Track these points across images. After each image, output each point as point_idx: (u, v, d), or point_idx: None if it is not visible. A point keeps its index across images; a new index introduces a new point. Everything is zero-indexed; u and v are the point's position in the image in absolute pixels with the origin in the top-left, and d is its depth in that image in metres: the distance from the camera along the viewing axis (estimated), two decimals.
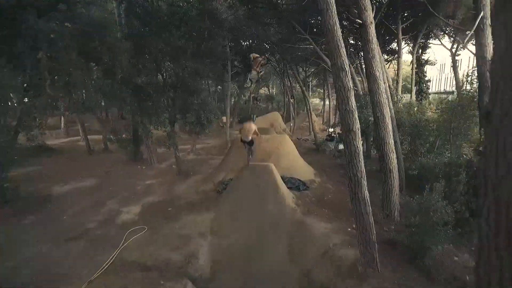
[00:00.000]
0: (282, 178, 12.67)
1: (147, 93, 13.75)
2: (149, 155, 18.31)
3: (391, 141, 9.67)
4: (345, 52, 6.72)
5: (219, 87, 54.67)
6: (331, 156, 21.49)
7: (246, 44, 33.23)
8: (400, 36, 20.26)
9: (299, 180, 13.06)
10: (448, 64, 54.98)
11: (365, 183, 6.95)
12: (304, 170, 14.08)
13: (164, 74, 13.75)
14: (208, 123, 14.92)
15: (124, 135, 18.28)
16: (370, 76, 9.72)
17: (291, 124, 31.74)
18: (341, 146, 24.40)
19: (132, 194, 13.83)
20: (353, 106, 6.72)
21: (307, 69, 38.86)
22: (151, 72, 13.55)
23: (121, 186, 14.98)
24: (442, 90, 57.07)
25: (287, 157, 13.84)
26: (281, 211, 10.10)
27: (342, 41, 6.67)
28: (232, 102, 49.86)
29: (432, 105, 19.19)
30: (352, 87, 6.74)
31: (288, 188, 12.10)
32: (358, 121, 6.81)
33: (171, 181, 15.43)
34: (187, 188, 13.91)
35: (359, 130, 6.83)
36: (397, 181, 9.86)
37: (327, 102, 41.31)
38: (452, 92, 53.83)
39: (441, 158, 12.51)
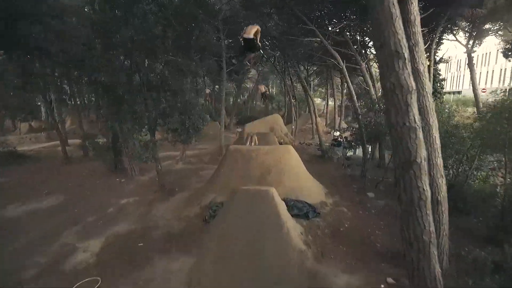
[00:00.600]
0: (286, 202, 9.80)
1: (118, 94, 10.85)
2: (130, 166, 15.43)
3: (440, 162, 6.78)
4: (402, 27, 3.85)
5: (216, 86, 51.79)
6: (340, 164, 18.61)
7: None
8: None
9: (307, 204, 10.17)
10: (452, 62, 52.01)
11: (436, 252, 4.04)
12: (312, 190, 11.20)
13: (139, 72, 10.80)
14: (195, 131, 11.99)
15: (101, 141, 15.35)
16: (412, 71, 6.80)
17: (293, 127, 28.85)
18: (349, 153, 21.63)
19: (100, 218, 10.96)
20: (417, 120, 3.83)
21: (308, 67, 35.96)
22: (121, 68, 10.59)
23: (90, 206, 12.11)
24: (447, 90, 54.15)
25: (292, 174, 10.95)
26: (286, 257, 7.23)
27: (397, 9, 3.81)
28: (231, 102, 46.98)
29: (457, 107, 16.28)
30: (414, 88, 3.85)
31: (293, 215, 9.25)
32: (423, 145, 3.90)
33: (151, 200, 12.55)
34: (168, 212, 11.01)
35: (426, 160, 3.92)
36: (447, 217, 6.96)
37: (330, 102, 38.41)
38: (460, 92, 50.99)
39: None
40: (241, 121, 40.42)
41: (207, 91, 32.19)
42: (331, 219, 9.93)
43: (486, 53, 46.90)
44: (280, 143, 19.71)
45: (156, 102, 11.41)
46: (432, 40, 20.46)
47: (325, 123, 35.63)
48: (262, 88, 23.44)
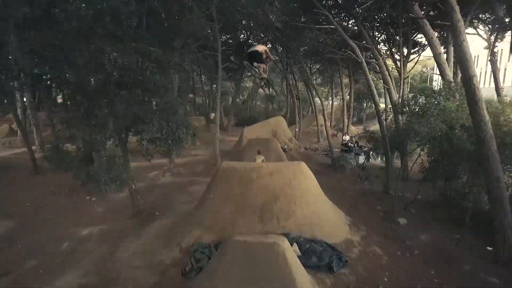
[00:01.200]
0: (299, 244, 6.83)
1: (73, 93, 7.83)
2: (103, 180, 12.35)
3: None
4: None
5: (214, 86, 48.65)
6: (354, 176, 15.60)
7: (241, 30, 27.35)
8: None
9: (329, 246, 7.16)
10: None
11: None
12: (333, 222, 8.18)
13: (98, 65, 7.72)
14: (176, 142, 8.93)
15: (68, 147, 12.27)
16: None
17: (296, 129, 25.80)
18: (361, 159, 18.62)
19: (45, 262, 7.96)
20: None
21: (311, 65, 32.84)
22: (75, 60, 7.53)
23: (40, 240, 9.13)
24: None
25: (306, 201, 7.92)
26: None
27: None
28: (230, 102, 43.79)
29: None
30: None
31: (311, 267, 6.27)
32: None
33: (120, 230, 9.53)
34: (138, 254, 7.95)
35: None
36: None
37: (335, 102, 35.37)
38: None
39: None
40: (240, 122, 37.34)
41: (190, 95, 29.06)
42: (362, 269, 6.91)
43: (497, 50, 43.74)
44: (284, 150, 16.71)
45: (126, 105, 8.36)
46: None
47: (329, 123, 32.41)
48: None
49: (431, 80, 62.44)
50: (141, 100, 8.35)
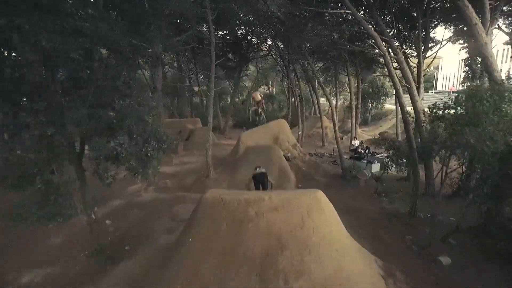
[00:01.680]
0: None
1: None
2: (74, 200, 9.85)
3: None
4: None
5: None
6: (369, 190, 13.14)
7: (239, 25, 24.88)
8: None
9: None
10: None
11: None
12: (363, 277, 5.70)
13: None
14: (143, 161, 6.46)
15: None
16: None
17: (299, 132, 23.30)
18: (374, 168, 16.15)
19: None
20: None
21: (314, 62, 30.33)
22: None
23: None
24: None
25: (325, 250, 5.44)
26: None
27: None
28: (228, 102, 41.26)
29: None
30: None
31: None
32: None
33: (73, 276, 7.09)
34: None
35: None
36: None
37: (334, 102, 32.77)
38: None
39: None
40: (239, 123, 34.91)
41: (195, 88, 26.46)
42: None
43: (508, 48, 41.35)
44: (287, 159, 14.23)
45: (78, 111, 5.90)
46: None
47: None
48: (258, 96, 17.52)
49: (435, 79, 59.95)
50: (93, 103, 5.86)
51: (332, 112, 21.12)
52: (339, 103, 42.26)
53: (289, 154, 14.90)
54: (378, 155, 17.51)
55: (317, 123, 26.91)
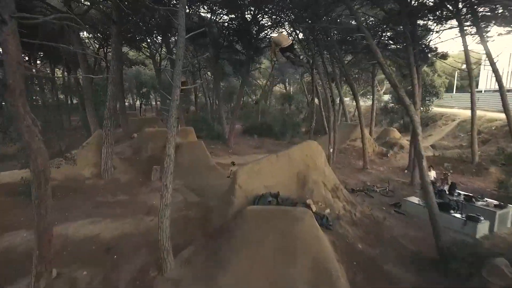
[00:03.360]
0: None
1: None
2: None
3: None
4: None
5: (222, 84, 38.65)
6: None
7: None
8: None
9: None
10: None
11: None
12: None
13: None
14: None
15: None
16: None
17: (330, 149, 15.63)
18: (481, 229, 8.48)
19: None
20: None
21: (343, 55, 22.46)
22: None
23: None
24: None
25: None
26: None
27: None
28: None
29: None
30: None
31: None
32: None
33: None
34: None
35: None
36: None
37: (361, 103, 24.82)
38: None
39: None
40: (249, 129, 27.46)
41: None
42: None
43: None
44: (326, 227, 6.82)
45: None
46: None
47: (368, 133, 21.67)
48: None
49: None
50: None
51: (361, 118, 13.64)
52: (364, 105, 34.37)
53: (327, 212, 7.40)
54: (480, 200, 9.72)
55: (352, 133, 19.16)
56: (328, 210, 7.47)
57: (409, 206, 10.16)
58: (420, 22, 15.61)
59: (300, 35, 21.91)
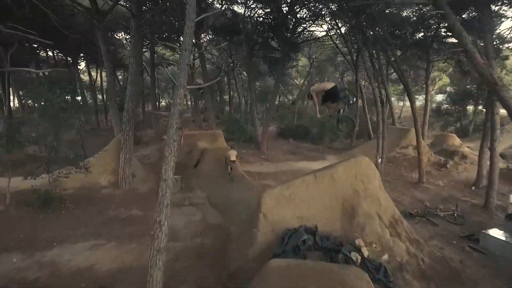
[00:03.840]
0: None
1: None
2: None
3: None
4: None
5: (257, 84, 36.98)
6: None
7: None
8: None
9: None
10: None
11: None
12: None
13: None
14: None
15: None
16: None
17: (378, 159, 13.15)
18: None
19: None
20: None
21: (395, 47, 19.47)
22: None
23: None
24: None
25: None
26: None
27: None
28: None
29: None
30: None
31: None
32: None
33: None
34: None
35: None
36: None
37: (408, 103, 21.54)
38: None
39: None
40: (285, 132, 25.28)
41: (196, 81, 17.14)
42: None
43: None
44: (380, 282, 4.74)
45: None
46: None
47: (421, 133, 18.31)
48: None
49: None
50: None
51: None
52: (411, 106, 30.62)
53: (384, 259, 5.28)
54: None
55: (402, 139, 16.36)
56: (386, 256, 5.35)
57: (491, 242, 7.57)
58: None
59: (342, 30, 19.57)
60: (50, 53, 24.37)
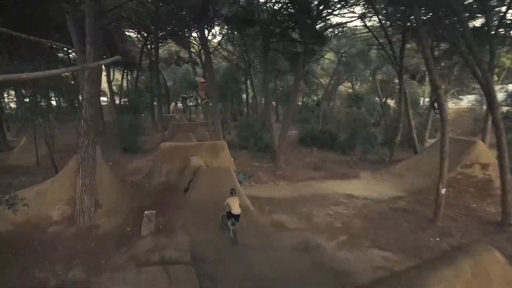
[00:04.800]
0: None
1: None
2: None
3: None
4: None
5: (279, 82, 33.13)
6: None
7: None
8: None
9: None
10: None
11: None
12: None
13: None
14: None
15: None
16: None
17: (442, 189, 9.00)
18: None
19: None
20: None
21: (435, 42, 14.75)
22: None
23: None
24: None
25: None
26: None
27: None
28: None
29: None
30: None
31: None
32: None
33: None
34: None
35: None
36: None
37: (452, 105, 16.55)
38: None
39: None
40: (307, 139, 21.04)
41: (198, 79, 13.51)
42: None
43: None
44: None
45: None
46: None
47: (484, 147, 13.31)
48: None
49: None
50: None
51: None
52: (454, 107, 25.48)
53: None
54: None
55: (465, 155, 11.91)
56: None
57: None
58: None
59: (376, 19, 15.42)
60: None
